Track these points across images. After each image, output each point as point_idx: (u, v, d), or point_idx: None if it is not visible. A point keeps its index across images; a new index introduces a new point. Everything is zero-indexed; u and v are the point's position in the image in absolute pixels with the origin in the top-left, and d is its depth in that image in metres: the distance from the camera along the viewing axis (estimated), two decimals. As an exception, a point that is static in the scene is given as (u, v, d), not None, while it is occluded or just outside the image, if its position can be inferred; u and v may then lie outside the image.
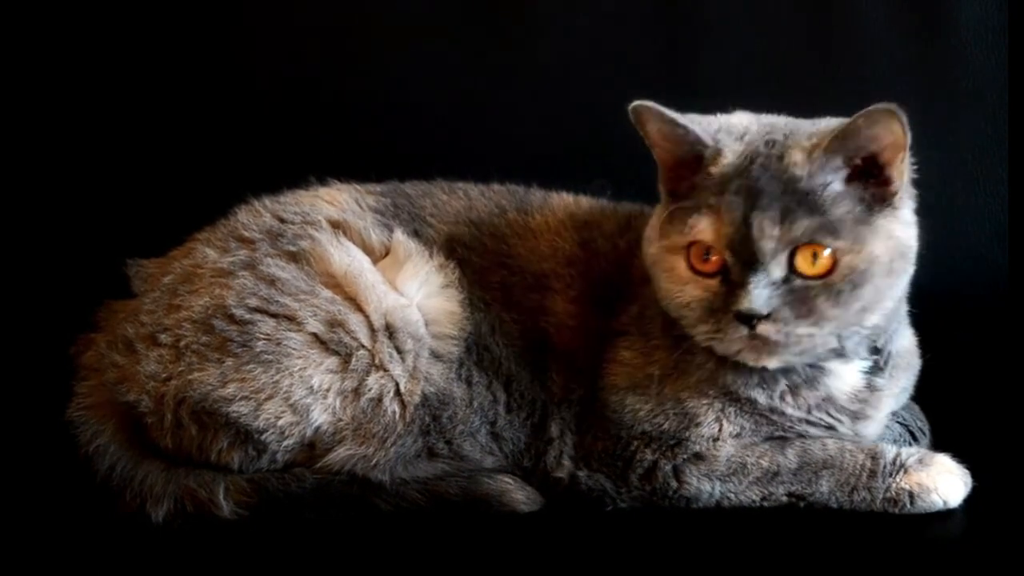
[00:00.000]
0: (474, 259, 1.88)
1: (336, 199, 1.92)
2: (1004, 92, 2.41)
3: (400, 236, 1.86)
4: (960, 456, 1.76)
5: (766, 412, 1.76)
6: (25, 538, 1.74)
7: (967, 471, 1.74)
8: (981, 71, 2.43)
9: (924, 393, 1.93)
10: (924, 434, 1.91)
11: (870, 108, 1.60)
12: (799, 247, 1.62)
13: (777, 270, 1.63)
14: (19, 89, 2.55)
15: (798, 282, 1.63)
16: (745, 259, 1.63)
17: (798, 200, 1.62)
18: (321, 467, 1.77)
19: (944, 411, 1.96)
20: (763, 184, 1.63)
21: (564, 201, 1.97)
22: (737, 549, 1.68)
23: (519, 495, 1.79)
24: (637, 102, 1.68)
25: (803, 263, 1.63)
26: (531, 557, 1.68)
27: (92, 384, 1.84)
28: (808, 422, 1.77)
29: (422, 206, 1.94)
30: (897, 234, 1.67)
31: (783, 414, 1.76)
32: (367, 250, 1.84)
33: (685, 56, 2.49)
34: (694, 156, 1.70)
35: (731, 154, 1.68)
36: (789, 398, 1.75)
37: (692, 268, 1.68)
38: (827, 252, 1.62)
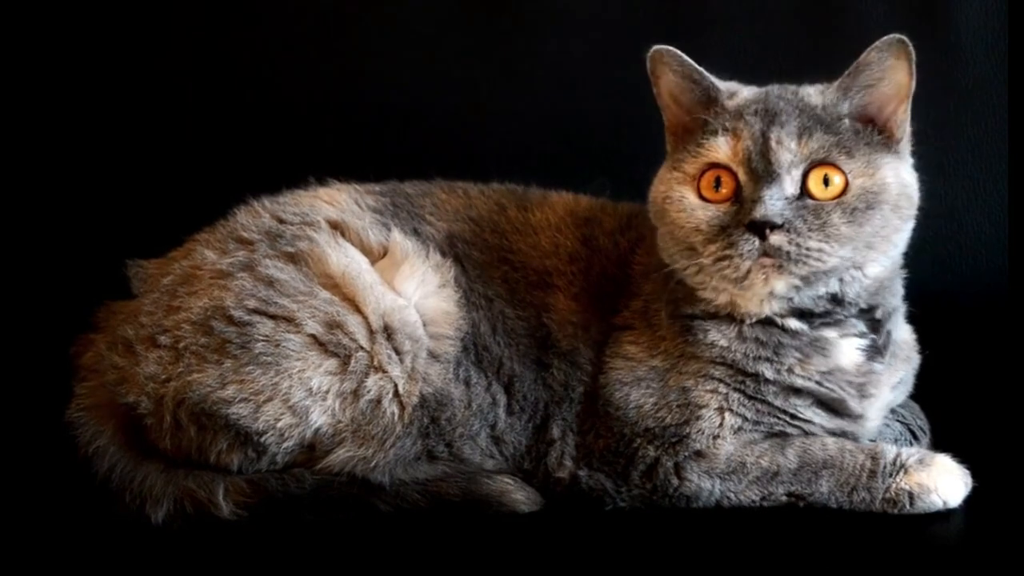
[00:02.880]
0: (475, 255, 1.89)
1: (335, 199, 1.92)
2: (1004, 92, 2.40)
3: (397, 236, 1.86)
4: (960, 456, 1.76)
5: (772, 395, 1.76)
6: (25, 538, 1.74)
7: (967, 471, 1.74)
8: (981, 71, 2.43)
9: (924, 393, 1.94)
10: (924, 432, 1.91)
11: (883, 39, 1.69)
12: (812, 168, 1.68)
13: (791, 186, 1.67)
14: (19, 89, 2.55)
15: (811, 202, 1.68)
16: (759, 175, 1.67)
17: (815, 120, 1.70)
18: (320, 469, 1.77)
19: (944, 411, 1.97)
20: (781, 107, 1.71)
21: (564, 199, 1.97)
22: (737, 550, 1.68)
23: (519, 496, 1.79)
24: (658, 46, 1.75)
25: (815, 186, 1.68)
26: (531, 557, 1.68)
27: (92, 385, 1.84)
28: (818, 399, 1.76)
29: (421, 205, 1.94)
30: (903, 176, 1.74)
31: (790, 393, 1.76)
32: (365, 250, 1.84)
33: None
34: (706, 100, 1.76)
35: (747, 91, 1.76)
36: (798, 368, 1.75)
37: (702, 198, 1.72)
38: (838, 178, 1.68)
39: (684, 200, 1.72)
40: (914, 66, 1.70)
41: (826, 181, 1.68)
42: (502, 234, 1.91)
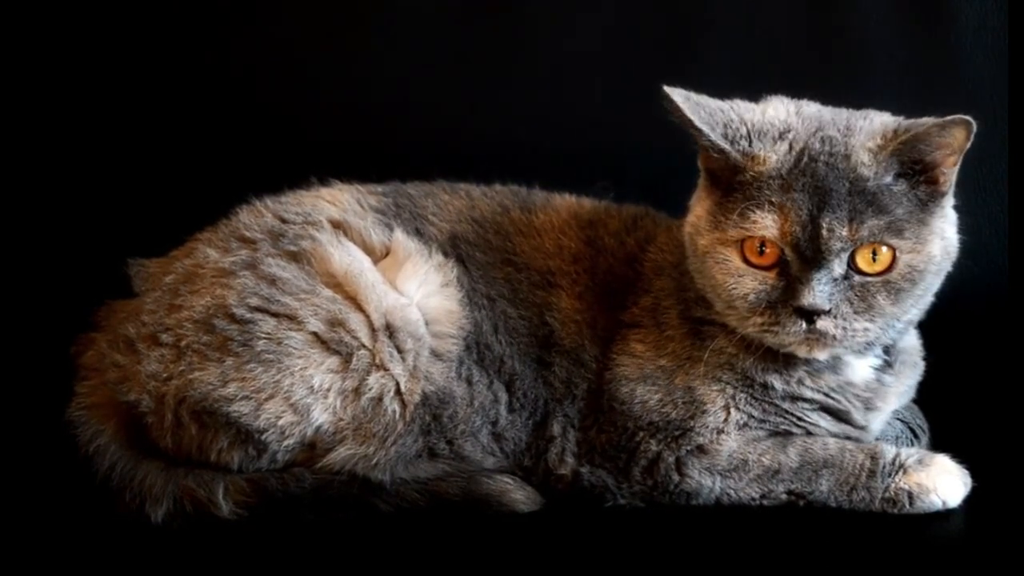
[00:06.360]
0: (478, 256, 1.89)
1: (338, 199, 1.92)
2: (1004, 92, 2.40)
3: (400, 236, 1.86)
4: (960, 456, 1.76)
5: (779, 399, 1.76)
6: (25, 538, 1.74)
7: (967, 471, 1.75)
8: (981, 71, 2.43)
9: (924, 393, 1.93)
10: (924, 432, 1.92)
11: (948, 119, 1.62)
12: (861, 247, 1.64)
13: (839, 267, 1.64)
14: (19, 89, 2.55)
15: (857, 278, 1.65)
16: (807, 256, 1.64)
17: (866, 200, 1.63)
18: (322, 467, 1.77)
19: (944, 411, 1.97)
20: (830, 183, 1.64)
21: (567, 202, 1.97)
22: (737, 549, 1.68)
23: (519, 495, 1.79)
24: (665, 87, 1.66)
25: (863, 260, 1.65)
26: (531, 557, 1.68)
27: (92, 384, 1.84)
28: (824, 407, 1.77)
29: (424, 205, 1.94)
30: (948, 234, 1.70)
31: (797, 399, 1.76)
32: (368, 250, 1.84)
33: (685, 55, 2.49)
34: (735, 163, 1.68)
35: (775, 155, 1.67)
36: (808, 381, 1.76)
37: (746, 260, 1.68)
38: (885, 250, 1.64)
39: (729, 263, 1.68)
40: (973, 135, 1.63)
41: (874, 254, 1.65)
42: (505, 235, 1.91)
